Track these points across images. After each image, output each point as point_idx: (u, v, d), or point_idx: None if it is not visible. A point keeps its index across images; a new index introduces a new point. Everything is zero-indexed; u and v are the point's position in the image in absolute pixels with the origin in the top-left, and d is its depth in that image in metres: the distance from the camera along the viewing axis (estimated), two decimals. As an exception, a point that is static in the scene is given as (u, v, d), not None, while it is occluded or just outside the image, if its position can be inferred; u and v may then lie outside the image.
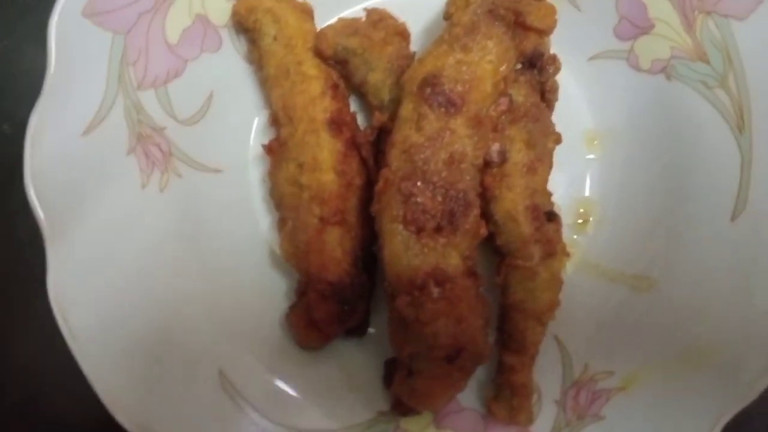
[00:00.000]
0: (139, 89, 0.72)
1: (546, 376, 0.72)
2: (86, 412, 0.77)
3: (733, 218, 0.72)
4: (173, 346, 0.69)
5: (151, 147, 0.72)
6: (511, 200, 0.70)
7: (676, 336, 0.71)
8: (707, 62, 0.75)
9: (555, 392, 0.72)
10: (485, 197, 0.70)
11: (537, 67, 0.74)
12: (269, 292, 0.76)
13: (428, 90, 0.66)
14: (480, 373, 0.71)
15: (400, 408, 0.69)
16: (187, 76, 0.75)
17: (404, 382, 0.66)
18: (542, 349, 0.71)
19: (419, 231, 0.64)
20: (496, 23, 0.69)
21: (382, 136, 0.73)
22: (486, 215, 0.70)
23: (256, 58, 0.77)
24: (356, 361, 0.74)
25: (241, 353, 0.72)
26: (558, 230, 0.72)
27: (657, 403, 0.68)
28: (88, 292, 0.66)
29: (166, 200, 0.73)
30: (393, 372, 0.69)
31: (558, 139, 0.74)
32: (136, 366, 0.66)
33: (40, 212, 0.65)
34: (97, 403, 0.64)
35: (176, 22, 0.74)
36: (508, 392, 0.70)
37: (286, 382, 0.72)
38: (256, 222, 0.78)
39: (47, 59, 0.66)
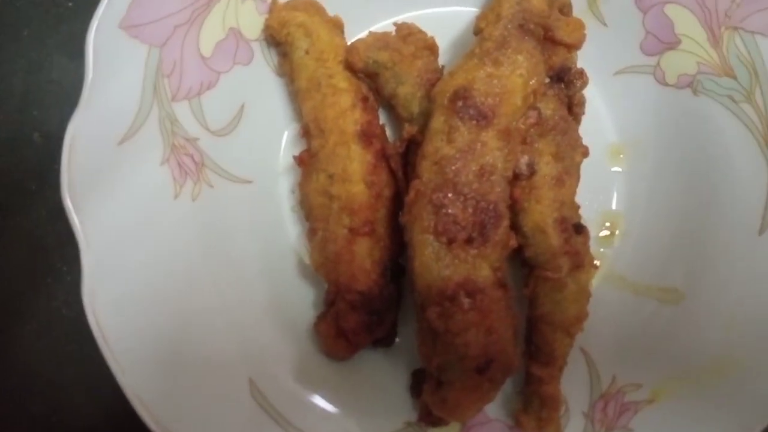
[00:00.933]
0: (174, 101, 0.73)
1: (574, 388, 0.72)
2: (112, 422, 0.79)
3: (760, 232, 0.72)
4: (204, 355, 0.69)
5: (184, 157, 0.73)
6: (540, 212, 0.70)
7: (703, 349, 0.71)
8: (734, 77, 0.75)
9: (583, 404, 0.72)
10: (514, 209, 0.71)
11: (565, 81, 0.75)
12: (298, 301, 0.76)
13: (459, 103, 0.67)
14: (507, 385, 0.71)
15: (428, 418, 0.69)
16: (219, 88, 0.76)
17: (435, 393, 0.66)
18: (570, 361, 0.71)
19: (450, 242, 0.64)
20: (527, 38, 0.70)
21: (411, 148, 0.74)
22: (515, 227, 0.70)
23: (288, 71, 0.78)
24: (383, 371, 0.75)
25: (271, 362, 0.72)
26: (586, 242, 0.72)
27: (686, 415, 0.68)
28: (122, 299, 0.66)
29: (197, 210, 0.73)
30: (420, 382, 0.70)
31: (585, 153, 0.75)
32: (166, 373, 0.66)
33: (75, 219, 0.65)
34: (123, 412, 0.64)
35: (210, 36, 0.75)
36: (537, 404, 0.70)
37: (314, 391, 0.72)
38: (285, 232, 0.79)
39: (85, 69, 0.68)
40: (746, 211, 0.73)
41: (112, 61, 0.69)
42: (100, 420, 0.80)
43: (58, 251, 0.83)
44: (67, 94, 0.68)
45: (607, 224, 0.81)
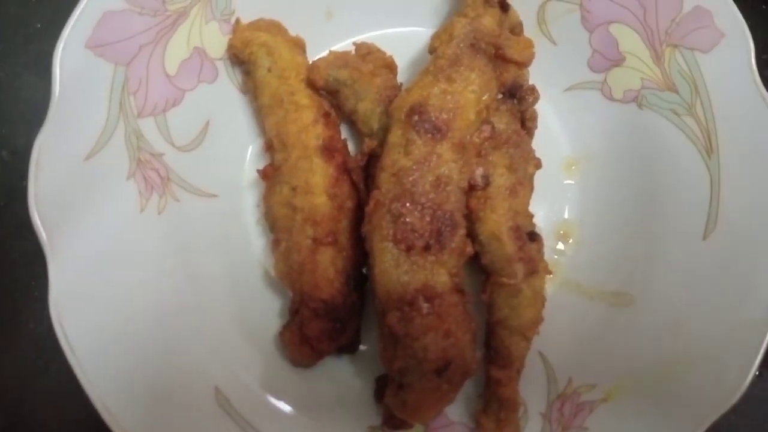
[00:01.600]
0: (139, 117, 0.75)
1: (532, 389, 0.74)
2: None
3: (704, 237, 0.76)
4: (170, 364, 0.70)
5: (150, 172, 0.75)
6: (495, 221, 0.73)
7: (655, 349, 0.74)
8: (676, 92, 0.80)
9: (541, 405, 0.74)
10: (470, 218, 0.73)
11: (517, 97, 0.78)
12: (263, 311, 0.78)
13: (415, 117, 0.69)
14: (468, 388, 0.73)
15: (392, 422, 0.71)
16: (185, 105, 0.78)
17: (395, 396, 0.67)
18: (528, 364, 0.74)
19: (409, 249, 0.67)
20: (478, 56, 0.73)
21: (371, 162, 0.77)
22: (471, 235, 0.73)
23: (251, 88, 0.81)
24: (348, 378, 0.76)
25: (237, 370, 0.73)
26: (540, 250, 0.75)
27: (638, 413, 0.71)
28: (88, 310, 0.67)
29: (163, 223, 0.75)
30: (384, 387, 0.71)
31: (538, 164, 0.78)
32: (134, 382, 0.67)
33: (42, 233, 0.67)
34: (89, 426, 0.66)
35: (175, 55, 0.77)
36: (496, 406, 0.72)
37: (280, 398, 0.74)
38: (249, 244, 0.81)
39: (52, 87, 0.69)
40: (690, 217, 0.77)
41: (79, 79, 0.71)
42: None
43: (26, 267, 0.84)
44: (35, 112, 0.69)
45: (561, 233, 0.84)
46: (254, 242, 0.81)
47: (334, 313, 0.72)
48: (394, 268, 0.67)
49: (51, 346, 0.66)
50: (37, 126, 0.69)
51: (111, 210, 0.72)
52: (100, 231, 0.70)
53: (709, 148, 0.77)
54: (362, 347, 0.77)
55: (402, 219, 0.67)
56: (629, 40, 0.81)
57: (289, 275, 0.74)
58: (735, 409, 0.67)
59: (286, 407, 0.73)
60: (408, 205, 0.67)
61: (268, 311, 0.78)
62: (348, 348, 0.76)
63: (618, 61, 0.82)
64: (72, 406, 0.67)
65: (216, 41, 0.80)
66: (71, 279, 0.67)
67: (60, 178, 0.69)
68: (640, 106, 0.82)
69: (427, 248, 0.67)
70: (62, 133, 0.69)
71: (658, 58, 0.80)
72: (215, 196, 0.80)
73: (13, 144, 0.87)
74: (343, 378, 0.76)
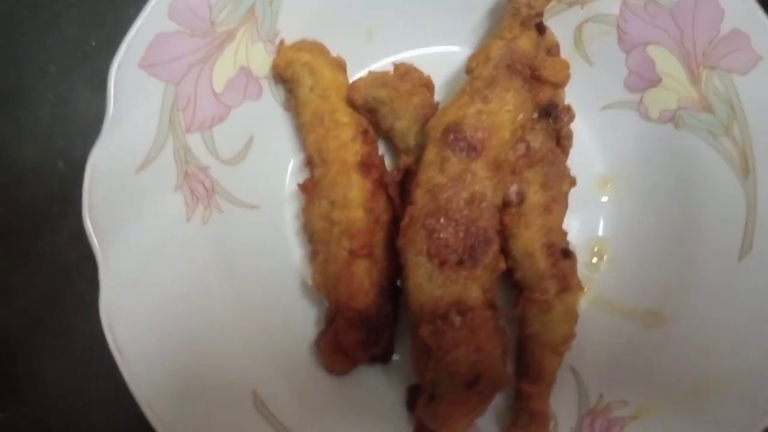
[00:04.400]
0: (187, 132, 0.78)
1: (563, 404, 0.75)
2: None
3: (739, 258, 0.75)
4: (211, 367, 0.73)
5: (196, 184, 0.78)
6: (528, 238, 0.74)
7: (686, 370, 0.74)
8: (712, 113, 0.79)
9: (571, 420, 0.74)
10: (504, 235, 0.74)
11: (552, 116, 0.79)
12: (300, 319, 0.80)
13: (451, 136, 0.70)
14: (498, 400, 0.74)
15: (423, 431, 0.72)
16: (230, 122, 0.81)
17: (427, 406, 0.69)
18: (559, 379, 0.74)
19: (442, 264, 0.68)
20: (514, 77, 0.73)
21: (407, 177, 0.78)
22: (505, 251, 0.74)
23: (293, 106, 0.83)
24: (381, 387, 0.78)
25: (274, 375, 0.75)
26: (573, 266, 0.75)
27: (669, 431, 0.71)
28: (135, 315, 0.71)
29: (207, 233, 0.78)
30: (416, 397, 0.73)
31: (572, 182, 0.78)
32: (179, 387, 0.70)
33: (95, 240, 0.70)
34: (137, 427, 0.68)
35: (222, 73, 0.80)
36: (526, 419, 0.73)
37: (315, 403, 0.75)
38: (289, 254, 0.83)
39: (107, 104, 0.73)
40: (726, 238, 0.76)
41: (132, 96, 0.74)
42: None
43: (79, 273, 0.87)
44: (90, 125, 0.72)
45: (595, 249, 0.84)
46: (293, 252, 0.83)
47: (368, 323, 0.74)
48: (427, 282, 0.68)
49: (103, 350, 0.69)
50: (92, 139, 0.72)
51: (159, 219, 0.75)
52: (148, 239, 0.73)
53: (745, 169, 0.77)
54: (395, 357, 0.79)
55: (436, 234, 0.68)
56: (666, 62, 0.81)
57: (326, 285, 0.76)
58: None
59: (320, 413, 0.75)
60: (442, 220, 0.68)
61: (305, 319, 0.80)
62: (381, 357, 0.77)
63: (654, 81, 0.82)
64: (120, 409, 0.70)
65: (261, 61, 0.83)
66: (121, 285, 0.70)
67: (112, 189, 0.72)
68: (676, 126, 0.82)
69: (460, 263, 0.68)
70: (115, 146, 0.72)
71: (695, 79, 0.80)
72: (257, 207, 0.83)
73: (69, 155, 0.91)
74: (376, 386, 0.78)
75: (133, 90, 0.74)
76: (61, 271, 0.88)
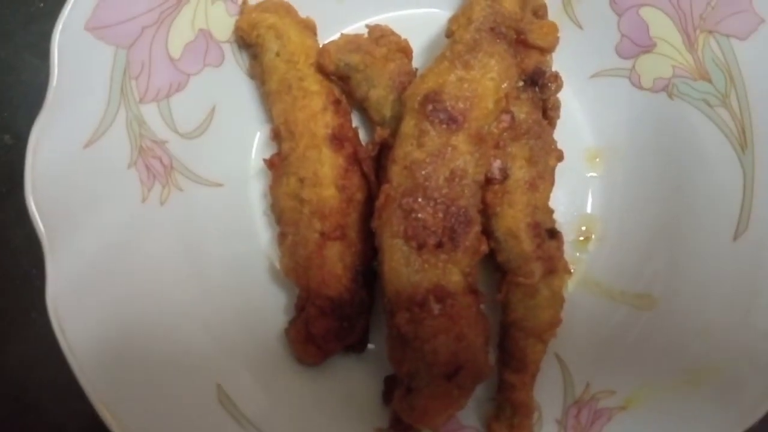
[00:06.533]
0: (141, 103, 0.73)
1: (547, 394, 0.72)
2: (82, 424, 0.78)
3: (735, 238, 0.72)
4: (171, 359, 0.68)
5: (152, 160, 0.73)
6: (513, 217, 0.70)
7: (677, 355, 0.71)
8: (709, 81, 0.75)
9: (556, 411, 0.71)
10: (486, 214, 0.71)
11: (539, 85, 0.75)
12: (268, 306, 0.76)
13: (430, 106, 0.66)
14: (480, 392, 0.71)
15: (399, 426, 0.69)
16: (189, 91, 0.76)
17: (403, 400, 0.65)
18: (543, 368, 0.71)
19: (420, 247, 0.64)
20: (498, 41, 0.69)
21: (383, 152, 0.74)
22: (487, 232, 0.70)
23: (259, 73, 0.78)
24: (355, 378, 0.74)
25: (239, 367, 0.72)
26: (559, 247, 0.72)
27: (660, 423, 0.68)
28: (87, 304, 0.66)
29: (166, 214, 0.73)
30: (392, 389, 0.69)
31: (560, 157, 0.75)
32: (133, 378, 0.66)
33: (39, 224, 0.65)
34: (93, 416, 0.64)
35: (179, 37, 0.75)
36: (509, 411, 0.70)
37: (284, 397, 0.72)
38: (256, 236, 0.79)
39: (50, 72, 0.67)
40: (721, 216, 0.73)
41: (78, 63, 0.68)
42: (67, 424, 0.80)
43: (27, 254, 0.83)
44: (37, 95, 0.68)
45: (583, 228, 0.81)
46: (261, 234, 0.79)
47: (341, 311, 0.70)
48: (404, 267, 0.64)
49: (51, 336, 0.64)
50: (39, 110, 0.66)
51: (112, 200, 0.70)
52: (100, 221, 0.68)
53: (743, 143, 0.73)
54: (370, 346, 0.75)
55: (414, 215, 0.64)
56: (661, 25, 0.77)
57: (296, 270, 0.72)
58: (766, 420, 0.64)
59: (290, 407, 0.71)
60: (420, 200, 0.65)
61: (274, 306, 0.76)
62: (355, 347, 0.74)
63: (648, 47, 0.78)
64: (74, 396, 0.66)
65: (222, 23, 0.78)
66: (69, 272, 0.65)
67: (58, 167, 0.67)
68: (670, 95, 0.78)
69: (439, 246, 0.64)
70: (61, 119, 0.67)
71: (691, 44, 0.76)
72: (220, 185, 0.78)
73: (15, 128, 0.85)
74: (350, 378, 0.74)
75: (80, 56, 0.69)
76: (8, 254, 0.83)
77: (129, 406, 0.65)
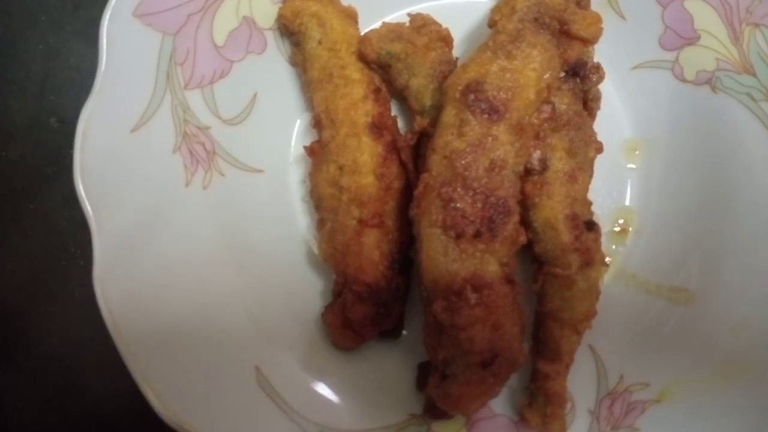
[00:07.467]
0: (186, 89, 0.73)
1: (581, 385, 0.72)
2: (124, 403, 0.80)
3: (775, 234, 0.71)
4: (211, 341, 0.70)
5: (196, 146, 0.74)
6: (551, 208, 0.70)
7: (712, 350, 0.71)
8: (753, 75, 0.74)
9: (589, 402, 0.72)
10: (525, 205, 0.70)
11: (580, 76, 0.74)
12: (306, 291, 0.77)
13: (471, 96, 0.66)
14: (513, 380, 0.71)
15: (433, 411, 0.69)
16: (232, 77, 0.76)
17: (438, 386, 0.66)
18: (577, 359, 0.71)
19: (458, 236, 0.64)
20: (541, 31, 0.69)
21: (422, 141, 0.74)
22: (525, 223, 0.70)
23: (300, 61, 0.78)
24: (390, 363, 0.75)
25: (277, 350, 0.72)
26: (597, 240, 0.71)
27: (692, 416, 0.68)
28: (131, 284, 0.67)
29: (208, 198, 0.74)
30: (426, 375, 0.70)
31: (599, 148, 0.74)
32: (174, 357, 0.67)
33: (87, 206, 0.66)
34: (134, 394, 0.65)
35: (223, 24, 0.75)
36: (542, 400, 0.70)
37: (320, 380, 0.73)
38: (295, 222, 0.79)
39: (99, 58, 0.68)
40: (761, 212, 0.73)
41: (126, 49, 0.69)
42: (111, 402, 0.81)
43: (72, 236, 0.84)
44: (83, 80, 0.69)
45: (620, 221, 0.80)
46: (299, 220, 0.79)
47: (377, 297, 0.70)
48: (442, 256, 0.64)
49: (97, 314, 0.65)
50: (86, 94, 0.68)
51: (155, 183, 0.71)
52: (144, 205, 0.70)
53: (787, 138, 0.72)
54: (405, 332, 0.76)
55: (452, 204, 0.64)
56: (705, 17, 0.76)
57: (334, 256, 0.72)
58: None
59: (326, 390, 0.72)
60: (459, 189, 0.64)
61: (312, 290, 0.77)
62: (391, 333, 0.74)
63: (692, 39, 0.77)
64: (118, 374, 0.67)
65: (266, 11, 0.78)
66: (115, 254, 0.67)
67: (106, 150, 0.68)
68: (713, 88, 0.76)
69: (477, 236, 0.64)
70: (109, 104, 0.68)
71: (736, 37, 0.75)
72: (261, 171, 0.79)
73: (61, 112, 0.86)
74: (385, 363, 0.75)
75: (127, 42, 0.70)
76: (54, 235, 0.84)
77: (170, 385, 0.66)
